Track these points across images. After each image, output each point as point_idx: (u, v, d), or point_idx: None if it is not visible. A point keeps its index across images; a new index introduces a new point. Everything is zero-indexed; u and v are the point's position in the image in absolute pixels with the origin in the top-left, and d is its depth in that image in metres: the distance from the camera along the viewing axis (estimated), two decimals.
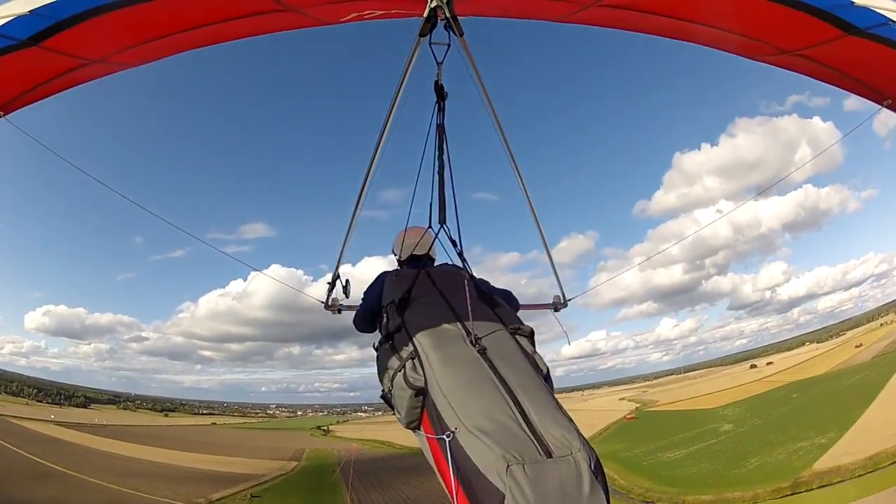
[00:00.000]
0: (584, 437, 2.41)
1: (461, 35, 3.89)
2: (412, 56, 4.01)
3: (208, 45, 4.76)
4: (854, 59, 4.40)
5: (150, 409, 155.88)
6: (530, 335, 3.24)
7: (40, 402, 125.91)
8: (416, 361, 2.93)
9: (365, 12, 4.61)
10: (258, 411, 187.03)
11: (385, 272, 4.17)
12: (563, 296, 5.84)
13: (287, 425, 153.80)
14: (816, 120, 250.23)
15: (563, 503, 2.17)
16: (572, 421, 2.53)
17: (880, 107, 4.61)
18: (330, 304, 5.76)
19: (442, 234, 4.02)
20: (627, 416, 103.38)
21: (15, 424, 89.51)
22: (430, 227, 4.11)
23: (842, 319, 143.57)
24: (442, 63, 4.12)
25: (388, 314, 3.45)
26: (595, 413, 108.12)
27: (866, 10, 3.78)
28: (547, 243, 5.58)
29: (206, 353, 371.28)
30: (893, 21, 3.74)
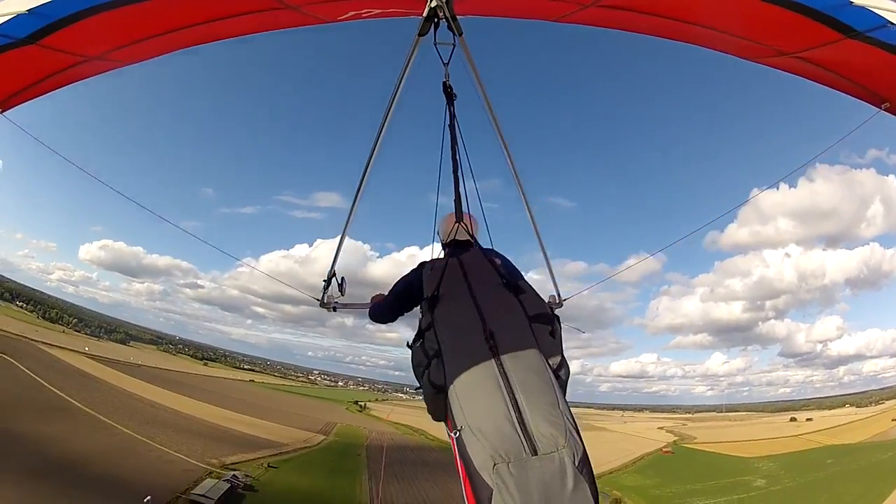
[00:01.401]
0: (573, 432, 2.55)
1: (460, 34, 3.92)
2: (411, 54, 4.05)
3: (207, 43, 4.77)
4: (852, 62, 4.39)
5: (191, 356, 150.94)
6: (550, 322, 3.29)
7: (78, 332, 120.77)
8: (439, 360, 3.05)
9: (363, 11, 4.60)
10: (299, 375, 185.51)
11: (424, 263, 4.19)
12: (559, 295, 5.88)
13: (325, 394, 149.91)
14: (892, 178, 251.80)
15: (547, 499, 2.32)
16: (567, 415, 2.66)
17: (878, 110, 4.61)
18: (325, 301, 5.79)
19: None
20: (664, 450, 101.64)
21: (44, 352, 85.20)
22: (464, 215, 4.17)
23: (883, 386, 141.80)
24: (448, 63, 4.15)
25: (423, 310, 3.54)
26: (632, 439, 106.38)
27: (865, 11, 3.74)
28: (542, 242, 5.61)
29: (260, 309, 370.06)
30: (892, 23, 3.70)
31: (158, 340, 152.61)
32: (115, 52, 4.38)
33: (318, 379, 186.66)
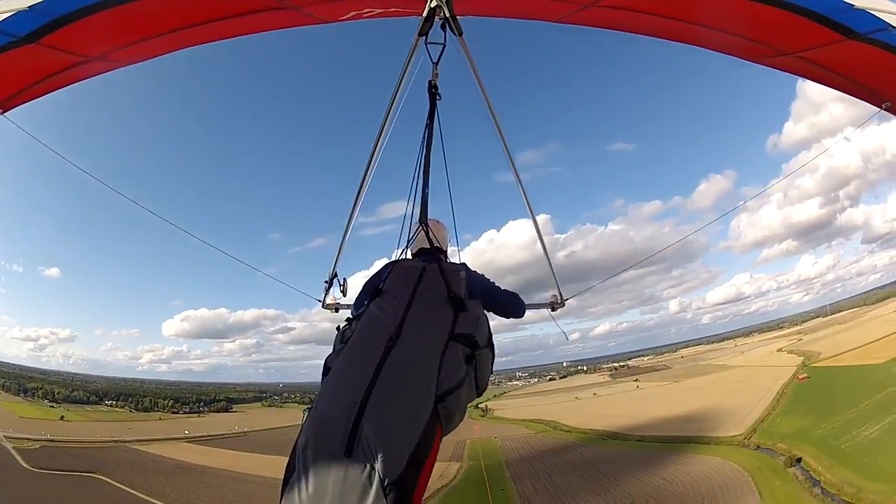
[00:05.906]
0: (404, 453, 2.34)
1: (460, 34, 3.93)
2: (411, 55, 4.05)
3: (208, 43, 4.77)
4: (853, 62, 4.41)
5: (299, 402, 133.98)
6: (473, 346, 3.07)
7: (176, 413, 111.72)
8: (345, 345, 3.02)
9: (364, 11, 4.62)
10: None
11: (395, 260, 4.02)
12: (560, 295, 5.80)
13: None
14: None
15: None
16: (416, 438, 2.43)
17: (879, 109, 4.62)
18: (328, 303, 5.79)
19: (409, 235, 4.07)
20: (799, 377, 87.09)
21: (139, 453, 75.40)
22: (419, 225, 4.03)
23: None
24: (438, 63, 4.14)
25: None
26: (761, 371, 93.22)
27: (866, 14, 3.78)
28: (544, 242, 5.58)
29: None
30: (893, 26, 3.74)
31: (262, 395, 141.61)
32: (116, 52, 4.39)
33: None
